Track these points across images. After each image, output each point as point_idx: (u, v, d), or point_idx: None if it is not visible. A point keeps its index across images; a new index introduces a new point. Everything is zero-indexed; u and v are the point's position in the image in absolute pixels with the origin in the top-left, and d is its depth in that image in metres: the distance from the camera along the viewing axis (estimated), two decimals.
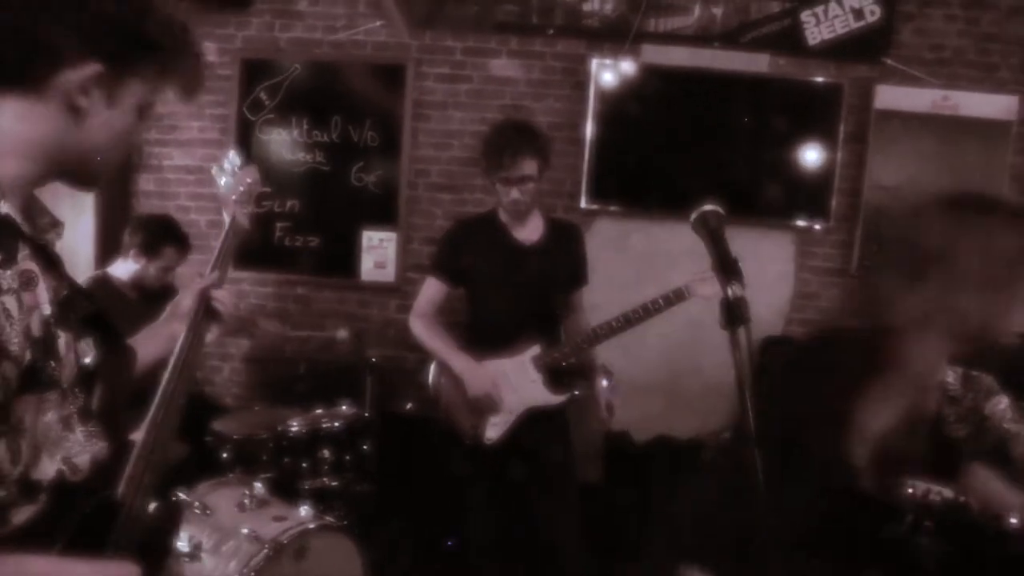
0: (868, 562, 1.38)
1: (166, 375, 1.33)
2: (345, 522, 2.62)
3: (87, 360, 1.07)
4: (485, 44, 4.10)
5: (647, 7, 3.98)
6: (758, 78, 4.01)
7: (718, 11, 4.01)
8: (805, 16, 3.99)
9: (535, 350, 2.68)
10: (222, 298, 1.50)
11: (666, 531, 1.55)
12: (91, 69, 0.98)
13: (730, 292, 1.06)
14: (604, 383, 2.68)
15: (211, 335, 1.51)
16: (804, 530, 1.31)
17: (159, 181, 4.23)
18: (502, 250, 2.73)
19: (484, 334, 2.72)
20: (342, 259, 4.16)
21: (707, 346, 3.96)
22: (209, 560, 2.19)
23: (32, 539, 0.97)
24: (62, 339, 1.01)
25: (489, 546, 2.79)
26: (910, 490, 1.36)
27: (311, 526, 2.30)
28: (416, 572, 3.21)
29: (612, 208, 4.07)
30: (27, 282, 0.96)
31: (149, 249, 3.12)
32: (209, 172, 4.39)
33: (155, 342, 1.45)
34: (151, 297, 3.03)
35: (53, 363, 0.99)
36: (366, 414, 3.16)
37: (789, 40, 4.00)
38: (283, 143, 4.12)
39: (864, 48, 4.01)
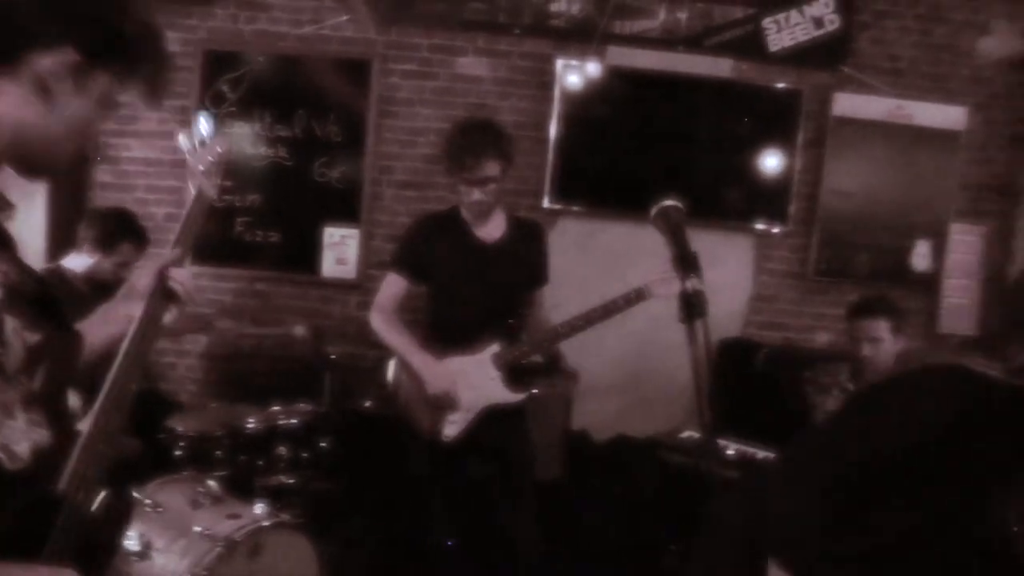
0: None
1: (117, 360, 1.26)
2: (301, 520, 2.59)
3: (33, 340, 1.04)
4: (452, 41, 4.10)
5: (613, 9, 4.02)
6: (720, 82, 4.07)
7: (683, 15, 4.06)
8: (767, 23, 4.06)
9: (495, 348, 2.68)
10: (180, 278, 1.41)
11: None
12: (66, 55, 1.01)
13: (688, 285, 1.07)
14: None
15: (169, 317, 1.41)
16: None
17: (116, 173, 4.14)
18: (464, 248, 2.72)
19: (445, 331, 2.71)
20: (303, 255, 4.12)
21: (666, 346, 4.00)
22: (160, 559, 2.14)
23: None
24: (9, 324, 0.98)
25: (447, 543, 2.78)
26: None
27: (266, 524, 2.27)
28: (374, 570, 3.18)
29: (575, 208, 4.10)
30: None
31: (105, 244, 3.04)
32: (167, 165, 4.31)
33: (109, 324, 1.38)
34: (106, 293, 2.95)
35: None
36: (323, 411, 3.13)
37: (751, 46, 4.07)
38: (245, 137, 4.06)
39: (823, 56, 4.09)
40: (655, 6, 4.07)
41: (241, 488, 2.66)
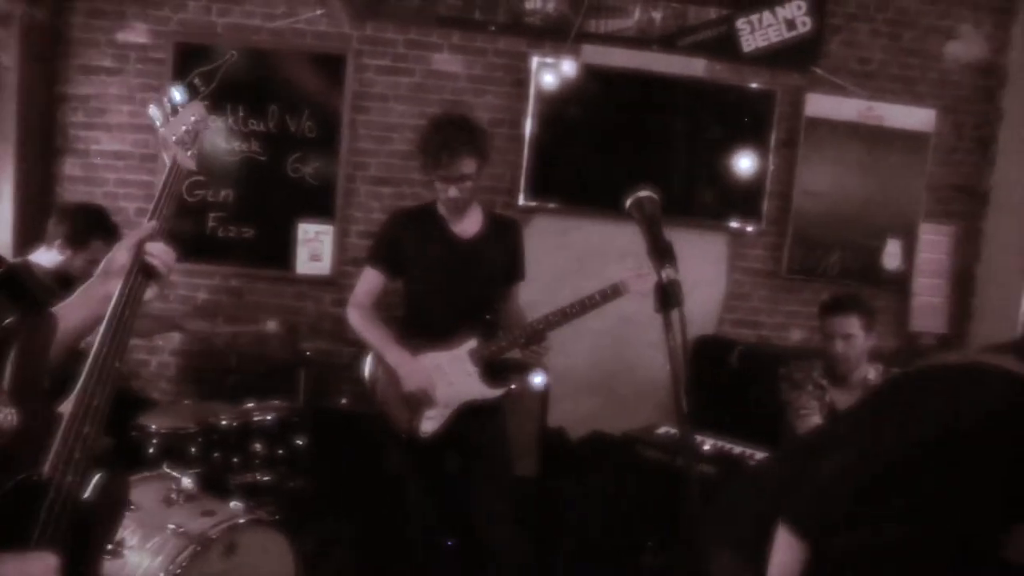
0: None
1: (98, 339, 1.24)
2: (277, 517, 2.57)
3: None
4: (427, 37, 4.08)
5: (588, 8, 4.03)
6: (694, 82, 4.10)
7: (657, 15, 4.09)
8: (740, 23, 4.10)
9: (472, 343, 2.68)
10: (159, 254, 1.37)
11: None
12: None
13: (664, 275, 1.08)
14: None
15: (150, 293, 1.38)
16: None
17: (85, 166, 4.06)
18: (440, 243, 2.72)
19: (421, 327, 2.71)
20: (277, 251, 4.07)
21: (641, 344, 4.04)
22: (133, 557, 2.12)
23: None
24: None
25: (424, 539, 2.77)
26: None
27: (241, 521, 2.26)
28: (350, 568, 3.16)
29: (550, 205, 4.10)
30: None
31: (76, 240, 2.98)
32: (138, 159, 4.25)
33: (88, 304, 1.35)
34: (75, 289, 2.90)
35: None
36: (299, 407, 3.11)
37: (725, 46, 4.11)
38: (217, 131, 4.01)
39: (796, 57, 4.15)
40: (630, 5, 4.09)
41: (216, 486, 2.63)
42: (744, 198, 4.16)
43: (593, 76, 4.02)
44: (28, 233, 3.52)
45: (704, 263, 4.21)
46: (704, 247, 4.21)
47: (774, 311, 4.35)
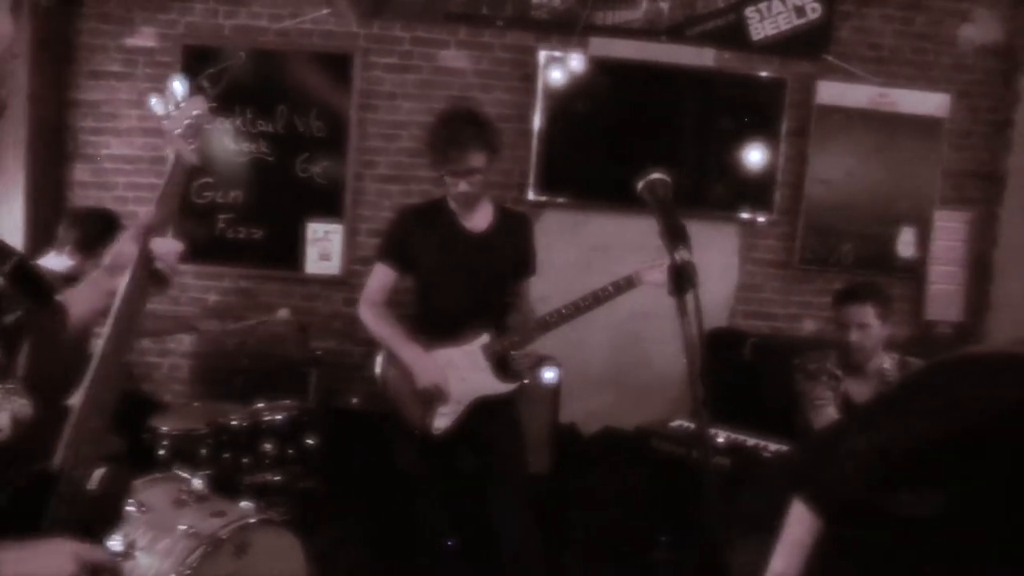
0: None
1: (105, 331, 1.22)
2: (288, 517, 2.56)
3: (10, 317, 1.01)
4: (434, 34, 4.07)
5: (595, 0, 4.00)
6: (704, 72, 4.06)
7: (665, 5, 4.05)
8: (749, 12, 4.05)
9: (485, 339, 2.65)
10: (163, 252, 1.33)
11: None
12: None
13: (678, 256, 1.05)
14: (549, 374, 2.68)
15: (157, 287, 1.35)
16: None
17: (95, 171, 4.08)
18: (451, 238, 2.69)
19: (433, 323, 2.69)
20: (286, 251, 4.08)
21: (653, 339, 4.01)
22: (144, 558, 2.10)
23: None
24: None
25: (439, 537, 2.75)
26: None
27: (252, 521, 2.23)
28: (362, 568, 3.15)
29: (560, 200, 4.08)
30: None
31: (87, 246, 2.98)
32: (147, 163, 4.25)
33: (93, 296, 1.34)
34: None
35: None
36: (309, 407, 3.09)
37: (734, 35, 4.06)
38: (226, 133, 4.01)
39: (806, 45, 4.09)
40: None
41: (226, 487, 2.62)
42: (755, 188, 4.11)
43: (601, 69, 3.99)
44: (39, 238, 3.53)
45: (715, 255, 4.17)
46: (715, 239, 4.17)
47: (787, 302, 4.31)
